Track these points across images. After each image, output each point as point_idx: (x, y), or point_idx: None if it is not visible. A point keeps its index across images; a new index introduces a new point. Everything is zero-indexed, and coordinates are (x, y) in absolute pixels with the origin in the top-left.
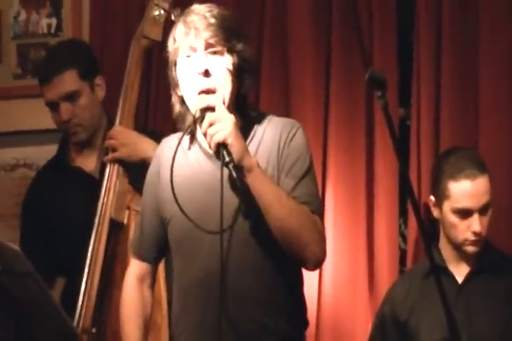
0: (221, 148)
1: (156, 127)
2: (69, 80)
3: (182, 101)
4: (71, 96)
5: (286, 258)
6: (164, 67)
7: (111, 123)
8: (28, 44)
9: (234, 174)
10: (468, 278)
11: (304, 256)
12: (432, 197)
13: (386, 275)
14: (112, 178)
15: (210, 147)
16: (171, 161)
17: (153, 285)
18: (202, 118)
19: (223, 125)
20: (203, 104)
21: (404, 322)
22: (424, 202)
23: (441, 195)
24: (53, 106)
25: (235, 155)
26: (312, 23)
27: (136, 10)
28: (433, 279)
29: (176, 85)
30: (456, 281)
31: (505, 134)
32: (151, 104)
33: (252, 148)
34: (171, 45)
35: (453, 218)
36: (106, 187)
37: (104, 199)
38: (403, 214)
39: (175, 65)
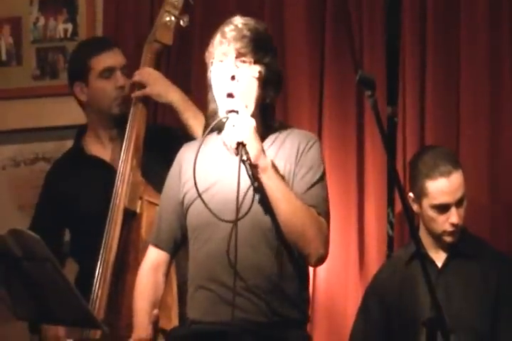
0: (240, 147)
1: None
2: (123, 56)
3: (214, 100)
4: (124, 69)
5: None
6: (173, 69)
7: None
8: (46, 48)
9: (249, 171)
10: (446, 263)
11: (307, 252)
12: (411, 194)
13: (375, 259)
14: (126, 170)
15: (230, 145)
16: (196, 151)
17: (167, 273)
18: (227, 118)
19: (244, 127)
20: (229, 107)
21: (389, 303)
22: None
23: (419, 192)
24: (108, 72)
25: (252, 155)
26: (307, 29)
27: (146, 16)
28: (415, 263)
29: (210, 84)
30: (435, 266)
31: (486, 130)
32: (159, 107)
33: (271, 152)
34: (209, 48)
35: (432, 213)
36: (120, 178)
37: (118, 189)
38: (391, 203)
39: (209, 67)
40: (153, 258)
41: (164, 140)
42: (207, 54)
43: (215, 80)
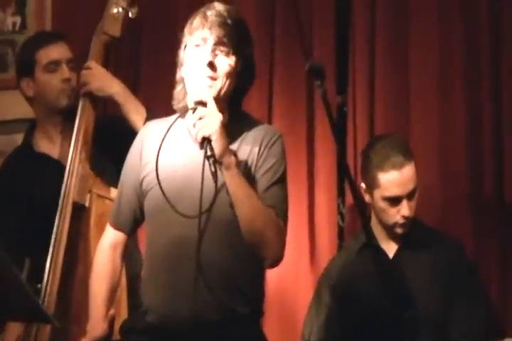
0: (205, 142)
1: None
2: (67, 48)
3: (183, 81)
4: (71, 63)
5: None
6: (122, 61)
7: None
8: None
9: (212, 168)
10: (397, 253)
11: (264, 254)
12: (363, 184)
13: (326, 249)
14: (75, 163)
15: (195, 138)
16: (163, 137)
17: (124, 254)
18: (194, 109)
19: (211, 121)
20: (198, 97)
21: (342, 292)
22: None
23: (371, 183)
24: (54, 66)
25: (217, 152)
26: (256, 19)
27: (96, 8)
28: (366, 253)
29: (181, 65)
30: (387, 256)
31: (436, 119)
32: None
33: (235, 144)
34: (186, 29)
35: (383, 204)
36: (69, 172)
37: (67, 183)
38: (341, 194)
39: (185, 48)
40: (112, 238)
41: (114, 131)
42: (185, 33)
43: (190, 64)
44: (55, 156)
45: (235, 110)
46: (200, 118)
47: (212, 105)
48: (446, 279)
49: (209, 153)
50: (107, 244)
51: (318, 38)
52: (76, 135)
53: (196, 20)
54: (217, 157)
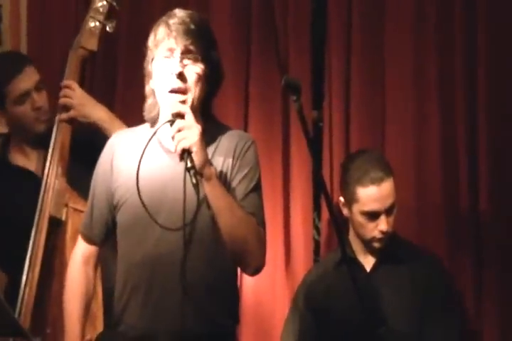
0: (185, 154)
1: None
2: (34, 72)
3: (153, 94)
4: (39, 86)
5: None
6: (99, 74)
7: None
8: None
9: (193, 180)
10: (374, 267)
11: (246, 263)
12: (342, 198)
13: (302, 264)
14: (52, 178)
15: (175, 150)
16: (142, 152)
17: (96, 266)
18: (172, 122)
19: (191, 133)
20: (176, 108)
21: (318, 307)
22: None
23: (349, 198)
24: (23, 97)
25: (197, 163)
26: (233, 33)
27: (71, 23)
28: (344, 268)
29: (150, 78)
30: (364, 270)
31: (411, 134)
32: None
33: (209, 150)
34: (151, 42)
35: (361, 219)
36: (46, 186)
37: (44, 197)
38: (317, 208)
39: (152, 60)
40: (84, 251)
41: (91, 145)
42: (150, 45)
43: (159, 76)
44: (31, 169)
45: (206, 116)
46: (179, 131)
47: (190, 116)
48: (422, 294)
49: (189, 164)
50: (79, 259)
51: (294, 53)
52: (52, 149)
53: (160, 31)
54: (197, 168)
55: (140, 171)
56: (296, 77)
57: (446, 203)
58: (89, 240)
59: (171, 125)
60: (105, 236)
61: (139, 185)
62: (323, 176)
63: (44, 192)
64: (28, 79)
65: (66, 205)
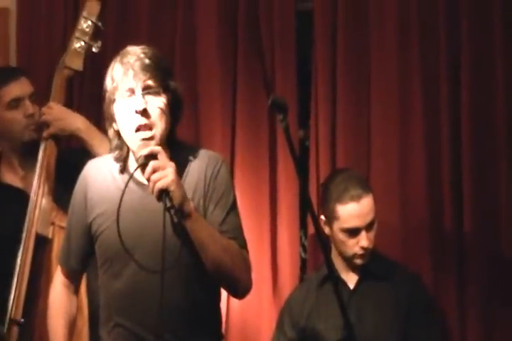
0: (163, 194)
1: None
2: (28, 83)
3: (118, 135)
4: (33, 96)
5: (213, 282)
6: (86, 93)
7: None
8: None
9: (175, 218)
10: (357, 284)
11: (236, 289)
12: (323, 217)
13: (288, 281)
14: (39, 196)
15: (152, 191)
16: (122, 191)
17: (77, 290)
18: (145, 164)
19: (166, 173)
20: (146, 148)
21: (303, 325)
22: None
23: (330, 216)
24: (16, 102)
25: (176, 202)
26: (219, 53)
27: (59, 43)
28: (328, 286)
29: (113, 120)
30: (348, 287)
31: (396, 153)
32: None
33: (180, 176)
34: (109, 84)
35: (342, 236)
36: (33, 205)
37: (31, 215)
38: (303, 226)
39: (112, 102)
40: (64, 280)
41: (77, 164)
42: (108, 88)
43: (124, 116)
44: (19, 186)
45: (172, 142)
46: (154, 171)
47: (162, 156)
48: (405, 310)
49: (169, 204)
50: (59, 285)
51: (280, 73)
52: (39, 169)
53: (116, 71)
54: (177, 206)
55: (112, 204)
56: (283, 96)
57: (430, 220)
58: (66, 273)
59: (144, 167)
60: (83, 267)
61: (111, 219)
62: (310, 194)
63: (31, 209)
64: (22, 86)
65: (52, 223)
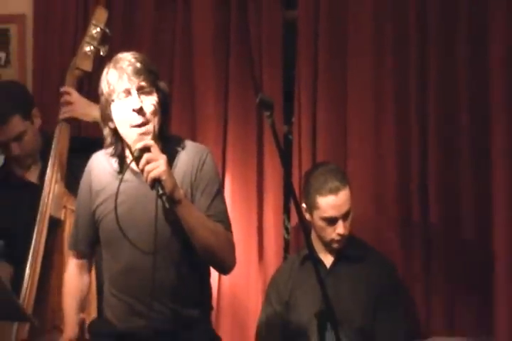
0: (156, 183)
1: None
2: (15, 124)
3: (113, 133)
4: (19, 137)
5: (201, 261)
6: (95, 92)
7: (46, 140)
8: None
9: (166, 205)
10: (333, 265)
11: (222, 266)
12: (304, 205)
13: (273, 260)
14: (52, 183)
15: (146, 180)
16: (118, 184)
17: (90, 268)
18: (140, 156)
19: (158, 164)
20: (140, 143)
21: (287, 300)
22: None
23: (310, 205)
24: (1, 145)
25: (168, 190)
26: (214, 58)
27: (70, 46)
28: (308, 265)
29: (109, 120)
30: (324, 267)
31: (370, 148)
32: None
33: (170, 166)
34: (105, 87)
35: (321, 223)
36: (46, 190)
37: (45, 200)
38: (287, 211)
39: (110, 103)
40: (77, 263)
41: (86, 152)
42: (104, 91)
43: (121, 114)
44: (31, 179)
45: (164, 135)
46: (148, 163)
47: (155, 149)
48: (375, 290)
49: (161, 191)
50: (74, 267)
51: (267, 75)
52: (53, 158)
53: (111, 76)
54: (168, 193)
55: (112, 192)
56: (269, 95)
57: (399, 210)
58: (77, 255)
59: (139, 159)
60: (92, 249)
61: (112, 205)
62: (293, 183)
63: (45, 195)
64: (3, 134)
65: (64, 207)
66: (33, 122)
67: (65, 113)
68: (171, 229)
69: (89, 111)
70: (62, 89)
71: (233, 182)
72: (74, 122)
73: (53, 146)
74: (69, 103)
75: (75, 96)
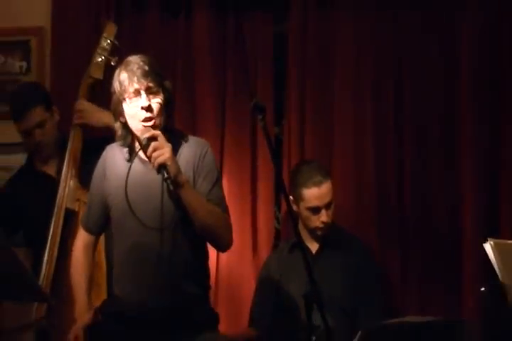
0: (162, 168)
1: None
2: (38, 113)
3: (123, 126)
4: (41, 124)
5: (201, 241)
6: (102, 97)
7: (63, 138)
8: (5, 80)
9: (171, 187)
10: (318, 251)
11: (219, 244)
12: (291, 197)
13: (265, 246)
14: (67, 178)
15: (153, 166)
16: (128, 170)
17: (94, 250)
18: (148, 145)
19: (164, 151)
20: (148, 132)
21: (277, 283)
22: None
23: (297, 197)
24: (26, 133)
25: (172, 174)
26: (212, 69)
27: (84, 56)
28: (296, 251)
29: (120, 115)
30: (311, 253)
31: (352, 146)
32: None
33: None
34: (117, 87)
35: (307, 213)
36: (62, 185)
37: (61, 193)
38: (277, 203)
39: (122, 101)
40: (84, 240)
41: (97, 151)
42: (117, 90)
43: (132, 111)
44: (50, 173)
45: (169, 129)
46: (155, 150)
47: (161, 138)
48: (356, 273)
49: (166, 176)
50: (81, 246)
51: (261, 83)
52: (68, 156)
53: (123, 78)
54: (173, 178)
55: (122, 179)
56: (262, 100)
57: (378, 200)
58: (87, 230)
59: (147, 147)
60: (100, 229)
61: (123, 190)
62: (283, 178)
63: (61, 189)
64: (27, 122)
65: (78, 199)
66: (53, 115)
67: (78, 119)
68: (175, 209)
69: (100, 118)
70: (75, 104)
71: (230, 177)
72: (86, 127)
73: (68, 147)
74: (81, 110)
75: (86, 104)
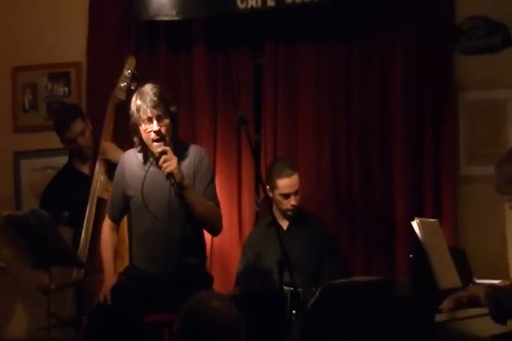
0: (170, 175)
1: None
2: (79, 124)
3: (139, 141)
4: (82, 132)
5: (198, 227)
6: (124, 115)
7: (95, 147)
8: (52, 101)
9: (176, 189)
10: (288, 228)
11: (212, 230)
12: (268, 186)
13: (248, 225)
14: (100, 174)
15: (163, 172)
16: (145, 173)
17: (118, 230)
18: (159, 157)
19: (172, 162)
20: (160, 147)
21: (257, 252)
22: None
23: (272, 186)
24: (72, 140)
25: (177, 180)
26: (207, 91)
27: (111, 83)
28: (271, 228)
29: (137, 133)
30: (283, 229)
31: (312, 147)
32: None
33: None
34: (133, 112)
35: (280, 198)
36: (95, 179)
37: (94, 185)
38: (257, 191)
39: (136, 125)
40: (109, 224)
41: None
42: (133, 113)
43: (147, 135)
44: (84, 171)
45: (174, 142)
46: (165, 161)
47: (170, 152)
48: (318, 243)
49: (173, 181)
50: (108, 228)
51: (243, 101)
52: (98, 161)
53: (138, 105)
54: (178, 182)
55: (139, 178)
56: (244, 115)
57: (332, 187)
58: (111, 219)
59: (159, 159)
60: (121, 216)
61: (139, 187)
62: (261, 172)
63: (94, 182)
64: (73, 130)
65: (107, 190)
66: (89, 125)
67: (102, 155)
68: (179, 205)
69: (116, 155)
70: (102, 144)
71: (221, 174)
72: (107, 161)
73: (96, 165)
74: (105, 149)
75: (108, 144)
